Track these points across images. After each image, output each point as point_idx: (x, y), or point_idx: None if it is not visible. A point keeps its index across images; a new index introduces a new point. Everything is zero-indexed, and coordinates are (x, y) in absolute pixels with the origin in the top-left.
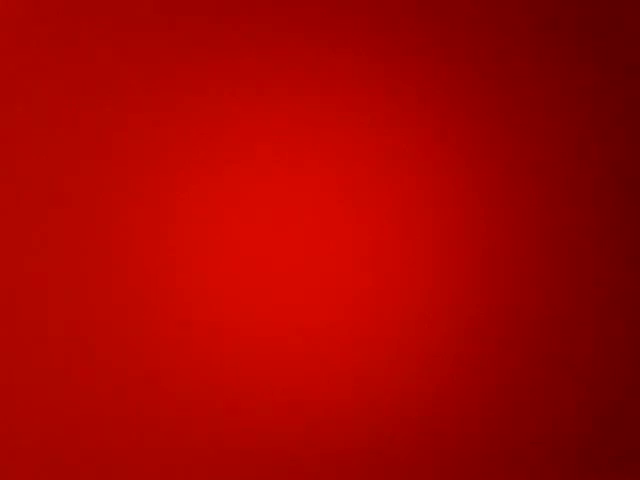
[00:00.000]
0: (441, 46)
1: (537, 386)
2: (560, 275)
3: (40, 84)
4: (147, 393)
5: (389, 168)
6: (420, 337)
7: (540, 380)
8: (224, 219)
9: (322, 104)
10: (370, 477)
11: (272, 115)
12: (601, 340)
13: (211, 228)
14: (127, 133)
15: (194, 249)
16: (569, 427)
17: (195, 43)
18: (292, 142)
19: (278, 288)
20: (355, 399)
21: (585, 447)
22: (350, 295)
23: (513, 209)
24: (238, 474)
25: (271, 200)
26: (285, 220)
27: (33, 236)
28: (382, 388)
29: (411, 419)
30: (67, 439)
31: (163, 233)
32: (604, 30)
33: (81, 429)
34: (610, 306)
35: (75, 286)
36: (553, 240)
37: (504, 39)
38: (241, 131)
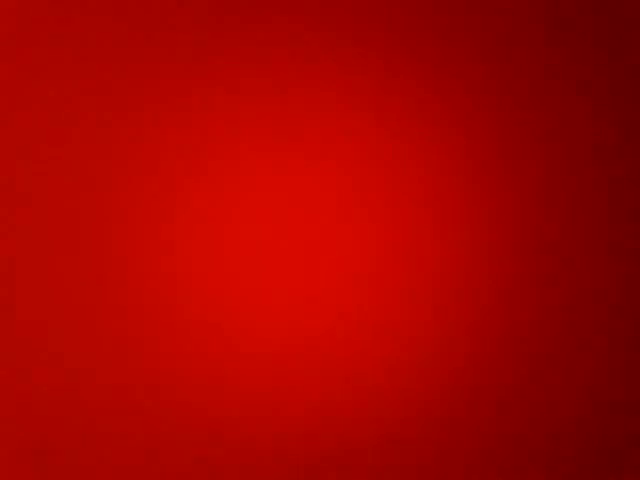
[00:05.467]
0: (438, 47)
1: (537, 387)
2: (560, 276)
3: (40, 84)
4: (147, 393)
5: (389, 170)
6: (420, 337)
7: (540, 381)
8: (224, 220)
9: (324, 105)
10: (370, 477)
11: (273, 117)
12: (601, 340)
13: (211, 230)
14: (127, 135)
15: (193, 250)
16: (569, 427)
17: (195, 45)
18: (292, 144)
19: (277, 289)
20: (355, 400)
21: (585, 447)
22: (350, 295)
23: (513, 211)
24: (238, 474)
25: (270, 202)
26: (285, 222)
27: (33, 237)
28: (382, 389)
29: (410, 420)
30: (67, 438)
31: (163, 234)
32: (604, 28)
33: (81, 429)
34: (610, 306)
35: (76, 286)
36: (553, 241)
37: (504, 39)
38: (242, 133)
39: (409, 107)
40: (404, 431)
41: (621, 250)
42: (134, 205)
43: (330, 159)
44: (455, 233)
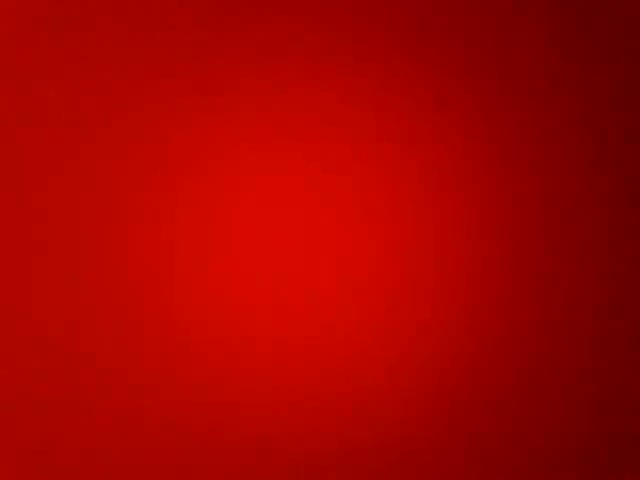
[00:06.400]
0: (439, 46)
1: (537, 387)
2: (560, 276)
3: (40, 84)
4: (146, 393)
5: (389, 170)
6: (420, 337)
7: (540, 381)
8: (224, 220)
9: (324, 105)
10: (370, 477)
11: (272, 117)
12: (601, 340)
13: (211, 229)
14: (127, 135)
15: (193, 250)
16: (569, 427)
17: (196, 45)
18: (295, 143)
19: (277, 289)
20: (354, 400)
21: (585, 447)
22: (349, 295)
23: (513, 213)
24: (237, 474)
25: (270, 202)
26: (284, 222)
27: (34, 236)
28: (382, 389)
29: (410, 420)
30: (66, 438)
31: (163, 234)
32: (604, 25)
33: (81, 428)
34: (610, 306)
35: (76, 286)
36: (553, 242)
37: (504, 40)
38: (242, 133)
39: (409, 107)
40: (404, 431)
41: (621, 252)
42: (133, 205)
43: (330, 160)
44: (455, 233)
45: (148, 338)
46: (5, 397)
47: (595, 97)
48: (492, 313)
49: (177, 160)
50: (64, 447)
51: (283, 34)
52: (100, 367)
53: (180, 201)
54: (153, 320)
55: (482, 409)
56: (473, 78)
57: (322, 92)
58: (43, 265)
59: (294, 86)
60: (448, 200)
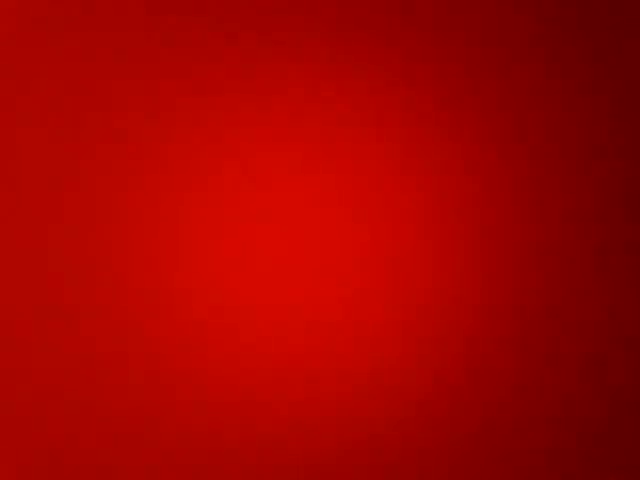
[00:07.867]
0: (439, 46)
1: (537, 387)
2: (559, 277)
3: (40, 84)
4: (147, 393)
5: (390, 171)
6: (422, 337)
7: (540, 381)
8: (226, 220)
9: (324, 105)
10: (370, 477)
11: (275, 116)
12: (601, 340)
13: (211, 228)
14: (128, 134)
15: (196, 250)
16: (569, 427)
17: (197, 44)
18: (295, 143)
19: (280, 289)
20: (355, 399)
21: (585, 447)
22: (351, 296)
23: (513, 215)
24: (238, 474)
25: (273, 202)
26: (287, 221)
27: (34, 237)
28: (383, 387)
29: (410, 420)
30: (66, 438)
31: (164, 235)
32: (603, 27)
33: (80, 428)
34: (610, 305)
35: (76, 286)
36: (551, 243)
37: (507, 41)
38: (243, 132)
39: (410, 107)
40: (404, 431)
41: (622, 252)
42: (134, 205)
43: (330, 160)
44: (456, 233)
45: (149, 338)
46: (5, 397)
47: (596, 97)
48: (492, 313)
49: (177, 160)
50: (64, 447)
51: (283, 34)
52: (100, 367)
53: (180, 201)
54: (154, 320)
55: (482, 409)
56: (473, 78)
57: (322, 92)
58: (43, 265)
59: (294, 86)
60: (448, 200)
